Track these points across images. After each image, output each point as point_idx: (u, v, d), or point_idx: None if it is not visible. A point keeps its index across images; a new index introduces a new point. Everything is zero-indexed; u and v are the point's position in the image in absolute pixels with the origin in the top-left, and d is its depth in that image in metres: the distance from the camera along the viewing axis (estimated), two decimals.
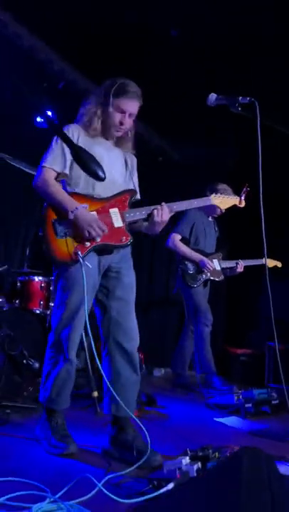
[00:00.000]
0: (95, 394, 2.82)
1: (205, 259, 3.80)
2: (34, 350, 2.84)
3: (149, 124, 4.95)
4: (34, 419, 2.40)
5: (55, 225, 2.06)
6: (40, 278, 3.45)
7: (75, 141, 2.11)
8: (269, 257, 3.91)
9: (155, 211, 2.12)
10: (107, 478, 1.70)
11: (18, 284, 3.39)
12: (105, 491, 1.55)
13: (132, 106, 2.14)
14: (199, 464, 1.74)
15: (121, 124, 2.15)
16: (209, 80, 3.49)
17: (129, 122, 2.17)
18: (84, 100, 2.22)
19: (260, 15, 3.42)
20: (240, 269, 3.92)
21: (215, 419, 3.00)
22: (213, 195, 2.45)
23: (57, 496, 1.51)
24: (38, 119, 4.20)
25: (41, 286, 3.41)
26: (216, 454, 1.89)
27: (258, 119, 1.96)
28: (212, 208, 3.88)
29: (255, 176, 1.96)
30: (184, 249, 3.83)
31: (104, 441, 2.12)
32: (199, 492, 1.00)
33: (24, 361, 2.77)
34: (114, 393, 2.02)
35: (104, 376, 2.14)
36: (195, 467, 1.71)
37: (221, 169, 4.90)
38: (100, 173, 1.36)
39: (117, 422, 2.11)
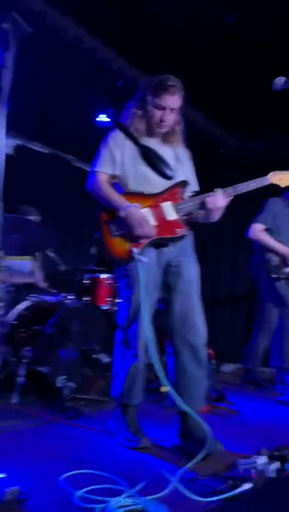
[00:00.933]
0: (163, 389, 2.84)
1: None
2: (103, 345, 2.92)
3: (210, 115, 4.86)
4: (107, 412, 2.46)
5: (109, 226, 2.11)
6: (106, 275, 3.53)
7: (122, 148, 2.15)
8: None
9: (208, 198, 2.08)
10: (180, 473, 1.70)
11: (86, 281, 3.49)
12: (181, 488, 1.56)
13: (171, 101, 2.10)
14: (278, 464, 1.69)
15: (162, 120, 2.13)
16: (271, 67, 3.33)
17: (171, 118, 2.14)
18: (126, 103, 2.23)
19: None
20: None
21: None
22: (271, 173, 2.28)
23: (134, 490, 1.54)
24: (98, 119, 4.29)
25: (108, 283, 3.49)
26: None
27: None
28: None
29: None
30: (268, 239, 3.64)
31: (173, 435, 2.13)
32: (267, 498, 0.96)
33: (94, 356, 2.85)
34: (172, 388, 2.03)
35: (168, 372, 2.14)
36: (274, 467, 1.67)
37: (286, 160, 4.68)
38: (168, 172, 1.36)
39: (181, 416, 2.11)
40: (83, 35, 3.58)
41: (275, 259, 3.63)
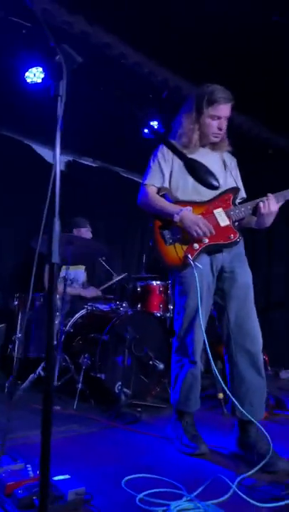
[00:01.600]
0: (220, 395, 2.83)
1: None
2: (158, 351, 2.96)
3: (257, 117, 4.79)
4: (164, 418, 2.49)
5: (162, 234, 2.15)
6: (158, 282, 3.58)
7: (171, 155, 2.21)
8: None
9: (261, 203, 2.08)
10: (239, 479, 1.69)
11: (139, 289, 3.56)
12: (240, 493, 1.55)
13: (225, 110, 2.15)
14: None
15: (219, 129, 2.17)
16: None
17: (225, 125, 2.18)
18: (177, 117, 2.27)
19: None
20: None
21: None
22: None
23: (193, 494, 1.55)
24: (146, 131, 4.38)
25: (160, 290, 3.53)
26: None
27: None
28: None
29: None
30: None
31: (231, 442, 2.12)
32: None
33: (150, 362, 2.89)
34: (231, 397, 2.02)
35: (227, 379, 2.14)
36: None
37: None
38: (214, 183, 1.38)
39: (241, 425, 2.09)
40: (127, 51, 3.69)
41: None
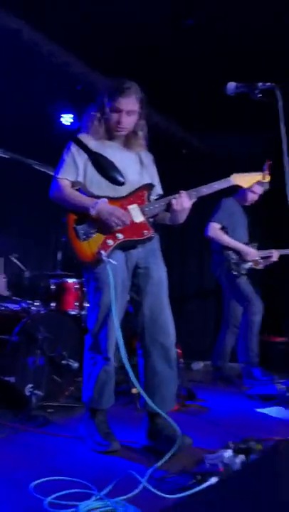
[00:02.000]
0: (134, 391, 2.86)
1: (250, 249, 3.75)
2: (72, 350, 2.90)
3: (172, 116, 4.92)
4: (76, 417, 2.45)
5: (76, 229, 2.12)
6: (74, 280, 3.52)
7: (85, 154, 2.14)
8: None
9: (174, 200, 2.13)
10: (149, 473, 1.72)
11: (53, 287, 3.46)
12: (150, 487, 1.57)
13: (127, 104, 2.12)
14: (243, 456, 1.73)
15: (119, 123, 2.15)
16: (231, 68, 3.42)
17: (129, 121, 2.17)
18: (87, 110, 2.25)
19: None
20: (274, 258, 3.85)
21: (257, 409, 2.97)
22: (234, 174, 2.35)
23: (102, 493, 1.55)
24: (62, 120, 4.27)
25: (75, 288, 3.47)
26: (259, 445, 1.87)
27: (280, 104, 1.91)
28: (244, 196, 3.83)
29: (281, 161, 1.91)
30: (226, 238, 3.77)
31: (141, 435, 2.15)
32: (231, 489, 1.00)
33: (63, 362, 2.83)
34: (140, 389, 2.04)
35: (140, 373, 2.17)
36: (238, 460, 1.71)
37: (248, 158, 4.82)
38: (120, 178, 1.37)
39: (150, 417, 2.14)
40: (41, 40, 3.56)
41: (234, 257, 3.75)
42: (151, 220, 2.20)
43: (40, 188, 4.65)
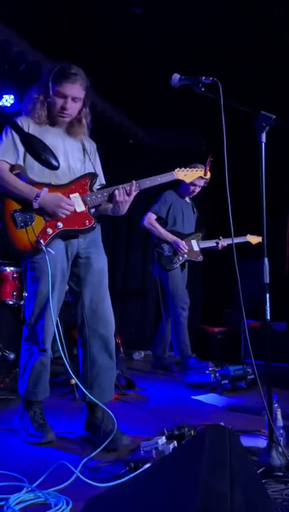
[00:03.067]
0: (73, 381, 2.83)
1: (179, 240, 3.79)
2: (9, 341, 2.82)
3: (118, 105, 4.88)
4: (12, 409, 2.39)
5: (14, 216, 2.04)
6: (12, 268, 3.39)
7: (26, 131, 2.06)
8: (253, 233, 3.96)
9: (116, 191, 2.10)
10: (82, 463, 1.72)
11: None
12: (82, 477, 1.57)
13: (72, 89, 2.06)
14: (175, 442, 1.78)
15: (63, 108, 2.09)
16: (179, 61, 3.44)
17: (74, 107, 2.11)
18: (29, 91, 2.15)
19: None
20: (221, 247, 3.92)
21: (193, 397, 3.06)
22: (177, 169, 2.37)
23: (34, 485, 1.52)
24: (4, 102, 4.09)
25: (13, 277, 3.36)
26: (192, 431, 1.94)
27: (222, 98, 1.95)
28: (186, 188, 3.89)
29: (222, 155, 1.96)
30: (160, 229, 3.81)
31: (79, 426, 2.14)
32: (159, 475, 1.02)
33: None
34: (76, 380, 2.04)
35: (79, 363, 2.15)
36: (171, 446, 1.75)
37: (193, 151, 4.90)
38: (54, 162, 1.33)
39: (89, 407, 2.13)
40: None
41: (167, 250, 3.80)
42: (93, 210, 2.17)
43: None
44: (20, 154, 2.08)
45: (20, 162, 2.09)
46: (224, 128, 1.92)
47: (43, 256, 2.00)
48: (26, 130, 2.06)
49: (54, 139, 2.10)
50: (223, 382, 3.08)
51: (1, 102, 4.06)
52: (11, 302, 3.29)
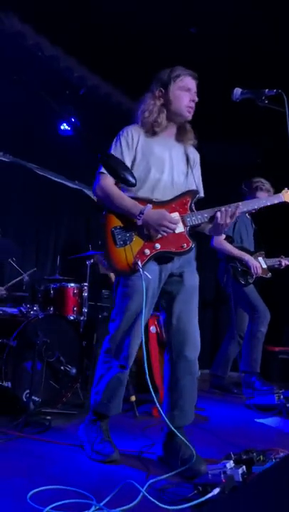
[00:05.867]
0: (133, 398, 2.82)
1: (251, 258, 3.71)
2: (70, 356, 2.87)
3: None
4: (74, 424, 2.41)
5: (114, 234, 2.01)
6: (72, 285, 3.49)
7: (135, 143, 2.06)
8: None
9: (218, 213, 2.00)
10: (149, 483, 1.68)
11: (52, 291, 3.42)
12: (149, 497, 1.53)
13: (193, 84, 2.07)
14: (244, 467, 1.70)
15: (193, 101, 2.05)
16: (233, 76, 3.42)
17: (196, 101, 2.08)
18: (139, 102, 2.14)
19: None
20: (284, 266, 3.83)
21: (256, 420, 2.93)
22: (285, 190, 2.27)
23: (102, 503, 1.51)
24: (63, 127, 4.26)
25: (74, 293, 3.44)
26: (261, 457, 1.84)
27: (287, 110, 1.90)
28: None
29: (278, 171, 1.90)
30: (230, 247, 3.73)
31: (158, 447, 2.09)
32: (245, 501, 0.96)
33: (62, 368, 2.79)
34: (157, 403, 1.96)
35: (164, 383, 2.09)
36: (240, 471, 1.67)
37: (246, 166, 4.83)
38: (131, 179, 1.34)
39: (168, 429, 2.05)
40: (43, 43, 3.56)
41: (240, 266, 3.72)
42: (189, 230, 2.07)
43: (40, 192, 4.66)
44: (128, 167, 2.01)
45: None
46: None
47: (138, 276, 1.95)
48: (136, 140, 2.06)
49: (162, 151, 2.07)
50: (288, 405, 2.93)
51: (62, 127, 4.22)
52: (72, 317, 3.36)
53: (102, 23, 3.50)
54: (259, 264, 3.74)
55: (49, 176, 4.57)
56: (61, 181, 4.80)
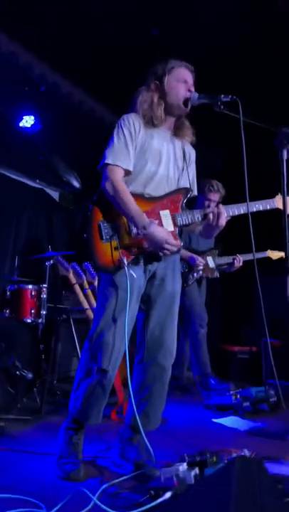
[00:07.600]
0: None
1: (195, 256, 3.72)
2: (27, 360, 2.80)
3: None
4: (29, 430, 2.36)
5: (100, 228, 1.92)
6: (31, 286, 3.40)
7: (137, 133, 1.96)
8: (273, 249, 3.87)
9: (210, 215, 1.96)
10: (102, 488, 1.67)
11: (8, 293, 3.33)
12: (100, 504, 1.52)
13: (189, 76, 2.02)
14: (197, 470, 1.71)
15: (189, 91, 1.99)
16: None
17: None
18: (135, 95, 2.06)
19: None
20: (238, 264, 3.83)
21: (213, 420, 2.97)
22: (279, 195, 2.18)
23: (52, 511, 1.48)
24: (22, 124, 4.16)
25: (32, 295, 3.36)
26: (214, 458, 1.86)
27: (241, 116, 1.93)
28: (200, 204, 3.84)
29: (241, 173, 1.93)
30: None
31: (114, 451, 2.06)
32: (188, 507, 0.97)
33: (17, 372, 2.72)
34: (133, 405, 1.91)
35: (132, 385, 1.98)
36: (193, 473, 1.68)
37: (208, 169, 4.88)
38: (75, 184, 1.31)
39: (129, 433, 2.03)
40: (2, 40, 3.46)
41: (183, 267, 3.74)
42: (179, 230, 2.01)
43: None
44: (131, 160, 1.93)
45: (131, 168, 1.93)
46: (244, 146, 1.89)
47: (123, 273, 1.87)
48: (137, 129, 1.97)
49: (160, 143, 2.01)
50: (244, 404, 2.99)
51: (22, 123, 4.13)
52: (29, 320, 3.29)
53: (61, 20, 3.44)
54: (203, 261, 3.73)
55: (8, 174, 4.47)
56: (21, 180, 4.69)
